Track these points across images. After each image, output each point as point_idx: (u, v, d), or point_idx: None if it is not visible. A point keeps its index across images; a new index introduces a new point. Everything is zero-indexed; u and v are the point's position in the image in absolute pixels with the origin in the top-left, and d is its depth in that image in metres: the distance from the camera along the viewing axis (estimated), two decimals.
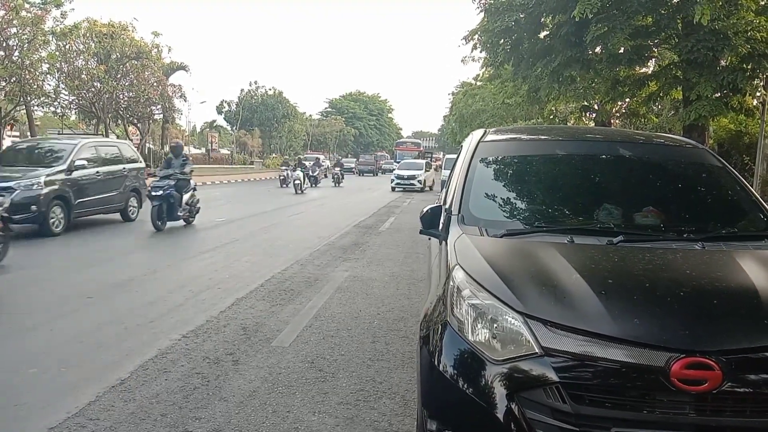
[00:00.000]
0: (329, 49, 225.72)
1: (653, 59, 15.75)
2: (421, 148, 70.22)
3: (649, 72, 15.70)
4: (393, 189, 33.52)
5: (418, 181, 33.92)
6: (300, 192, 27.87)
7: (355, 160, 68.92)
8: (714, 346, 2.32)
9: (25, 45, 24.00)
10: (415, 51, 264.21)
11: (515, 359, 2.45)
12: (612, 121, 20.98)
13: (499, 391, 2.43)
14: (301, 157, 37.70)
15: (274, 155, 62.07)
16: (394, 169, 48.07)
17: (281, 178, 31.66)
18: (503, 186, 3.85)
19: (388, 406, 4.17)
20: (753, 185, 13.73)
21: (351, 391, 4.38)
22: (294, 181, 28.64)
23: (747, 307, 2.52)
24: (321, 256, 10.17)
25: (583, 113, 20.10)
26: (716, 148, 17.32)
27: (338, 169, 37.99)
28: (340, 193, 30.05)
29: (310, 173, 33.71)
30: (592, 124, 21.11)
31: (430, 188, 35.65)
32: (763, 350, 2.35)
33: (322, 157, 48.23)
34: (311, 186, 32.68)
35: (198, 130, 68.96)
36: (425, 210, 3.80)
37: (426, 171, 36.03)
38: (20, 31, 23.93)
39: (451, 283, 2.82)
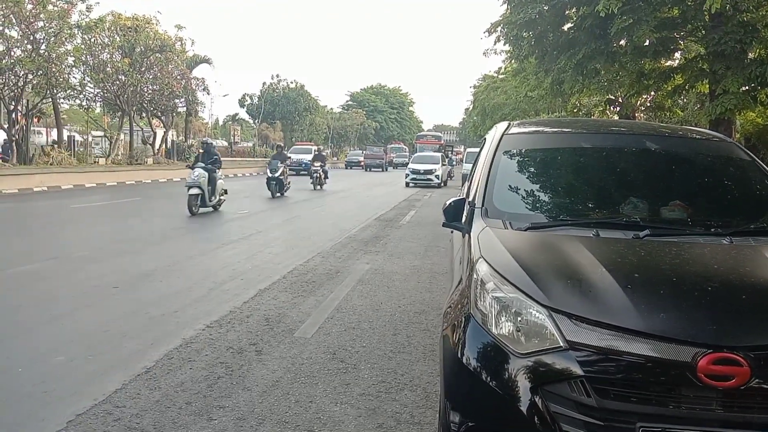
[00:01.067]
0: (351, 43, 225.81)
1: (679, 52, 15.52)
2: (442, 141, 66.87)
3: (675, 65, 15.47)
4: (407, 185, 30.90)
5: (436, 176, 31.18)
6: (281, 195, 21.22)
7: (360, 152, 61.45)
8: (742, 341, 2.28)
9: (52, 38, 24.38)
10: (436, 44, 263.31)
11: (539, 353, 2.44)
12: (636, 114, 20.73)
13: (523, 385, 2.43)
14: (281, 144, 27.82)
15: None
16: (407, 163, 46.89)
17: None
18: (527, 179, 3.82)
19: (410, 398, 4.18)
20: None
21: (373, 383, 4.40)
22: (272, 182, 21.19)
23: None
24: (342, 249, 10.21)
25: (608, 106, 19.88)
26: (743, 142, 17.01)
27: (319, 164, 26.38)
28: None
29: (312, 173, 26.43)
30: (616, 117, 20.87)
31: (445, 183, 33.69)
32: None
33: (315, 148, 35.72)
34: (280, 195, 21.53)
35: (220, 123, 69.45)
36: (448, 203, 3.79)
37: (443, 165, 33.70)
38: (47, 24, 24.30)
39: (475, 275, 2.81)
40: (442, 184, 32.28)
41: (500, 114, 35.24)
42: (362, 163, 54.61)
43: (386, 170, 53.17)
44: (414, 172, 31.14)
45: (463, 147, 71.05)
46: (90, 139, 39.15)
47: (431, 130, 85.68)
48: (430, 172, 31.06)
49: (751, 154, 3.93)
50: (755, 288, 2.60)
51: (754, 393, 2.26)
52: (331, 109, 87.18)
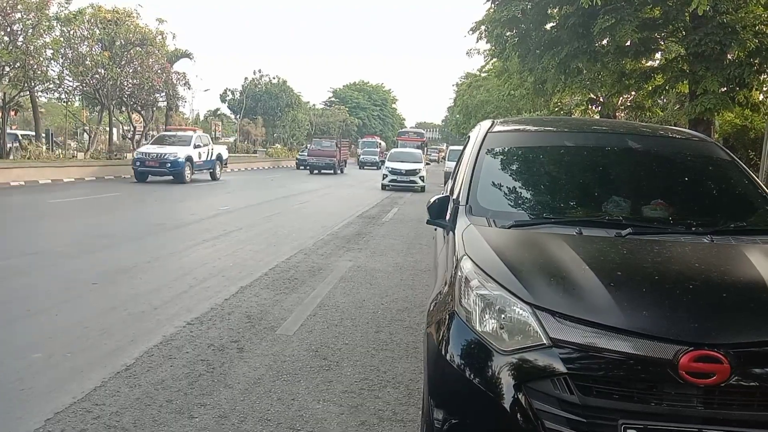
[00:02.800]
0: (334, 39, 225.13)
1: (660, 52, 15.68)
2: (425, 139, 63.53)
3: (656, 65, 15.62)
4: (384, 187, 25.61)
5: (421, 177, 25.95)
6: None
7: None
8: (723, 339, 2.31)
9: (30, 30, 23.94)
10: (419, 42, 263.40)
11: (523, 350, 2.45)
12: (617, 114, 20.92)
13: (507, 381, 2.43)
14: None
15: (277, 145, 61.98)
16: (378, 162, 43.13)
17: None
18: (511, 177, 3.84)
19: (392, 395, 4.18)
20: (759, 180, 13.69)
21: (355, 380, 4.40)
22: None
23: (756, 301, 2.51)
24: (324, 246, 10.18)
25: (589, 106, 20.03)
26: (722, 142, 17.25)
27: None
28: None
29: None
30: (597, 116, 21.04)
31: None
32: None
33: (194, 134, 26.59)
34: None
35: (202, 118, 68.86)
36: (432, 200, 3.80)
37: (425, 164, 28.52)
38: (25, 16, 23.86)
39: (459, 273, 2.82)
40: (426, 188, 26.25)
41: (483, 112, 35.37)
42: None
43: (341, 172, 40.31)
44: (394, 172, 25.81)
45: (445, 145, 70.93)
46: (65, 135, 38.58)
47: (414, 128, 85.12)
48: (413, 172, 25.86)
49: (731, 154, 3.99)
50: (735, 286, 2.63)
51: (734, 390, 2.29)
52: (314, 105, 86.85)
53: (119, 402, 3.88)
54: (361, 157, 51.27)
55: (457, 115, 49.47)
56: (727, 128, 17.56)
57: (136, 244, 9.77)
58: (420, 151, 31.68)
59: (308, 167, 39.43)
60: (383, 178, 26.10)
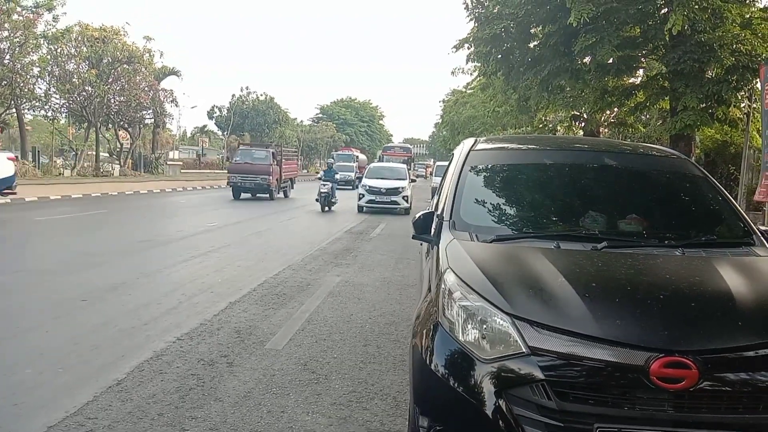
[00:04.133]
0: (321, 56, 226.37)
1: (642, 70, 16.01)
2: (411, 154, 59.38)
3: (638, 82, 15.95)
4: (360, 209, 21.61)
5: (404, 197, 21.71)
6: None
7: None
8: (691, 346, 2.45)
9: (17, 48, 24.00)
10: (406, 58, 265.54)
11: (503, 358, 2.57)
12: (601, 130, 21.25)
13: (488, 389, 2.55)
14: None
15: None
16: (353, 179, 37.03)
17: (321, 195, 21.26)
18: (493, 193, 3.98)
19: (380, 406, 4.27)
20: (738, 194, 13.96)
21: (344, 393, 4.49)
22: None
23: (723, 310, 2.66)
24: (313, 261, 10.27)
25: (573, 122, 20.35)
26: (703, 158, 17.56)
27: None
28: None
29: None
30: (581, 133, 21.37)
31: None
32: (737, 350, 2.48)
33: None
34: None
35: (189, 134, 68.88)
36: (418, 216, 3.93)
37: (409, 181, 23.88)
38: (11, 34, 23.94)
39: (443, 285, 2.94)
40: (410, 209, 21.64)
41: (469, 129, 35.66)
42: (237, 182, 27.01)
43: (284, 196, 28.83)
44: (372, 191, 21.44)
45: (432, 160, 71.09)
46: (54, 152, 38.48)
47: (401, 143, 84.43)
48: (395, 191, 21.55)
49: (704, 170, 4.16)
50: (704, 296, 2.78)
51: (703, 394, 2.42)
52: (302, 121, 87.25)
53: (111, 416, 3.95)
54: (339, 174, 40.35)
55: (444, 132, 49.87)
56: (708, 143, 17.87)
57: (125, 261, 9.80)
58: (405, 166, 27.51)
59: (233, 189, 26.50)
60: (359, 198, 21.76)
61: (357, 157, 51.36)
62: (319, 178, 21.95)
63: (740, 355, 2.48)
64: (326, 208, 21.10)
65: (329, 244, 12.64)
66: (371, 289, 8.18)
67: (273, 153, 27.74)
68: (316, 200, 21.20)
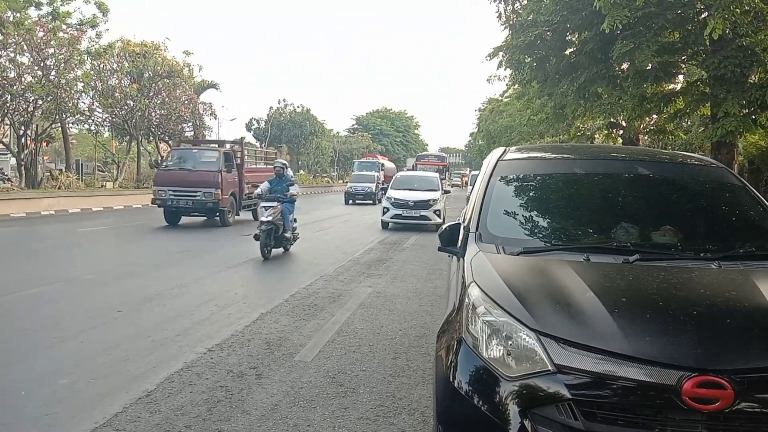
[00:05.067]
0: (357, 68, 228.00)
1: (682, 75, 15.63)
2: (446, 163, 54.56)
3: (677, 88, 15.56)
4: (385, 226, 18.71)
5: (436, 211, 18.78)
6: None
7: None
8: (726, 365, 2.33)
9: (62, 65, 24.77)
10: (442, 68, 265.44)
11: (528, 376, 2.48)
12: (640, 137, 20.81)
13: (513, 408, 2.47)
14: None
15: (302, 171, 62.58)
16: (372, 192, 32.16)
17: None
18: (521, 204, 3.89)
19: (407, 422, 4.20)
20: None
21: (371, 407, 4.43)
22: None
23: (760, 327, 2.53)
24: (345, 272, 10.26)
25: (611, 130, 19.95)
26: (746, 165, 17.04)
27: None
28: None
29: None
30: (620, 141, 20.96)
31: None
32: None
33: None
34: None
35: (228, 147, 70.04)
36: (444, 227, 3.87)
37: (442, 192, 20.57)
38: (57, 51, 24.71)
39: (467, 300, 2.87)
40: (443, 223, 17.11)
41: (505, 138, 35.36)
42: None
43: (243, 219, 19.71)
44: (397, 204, 18.62)
45: (468, 170, 70.53)
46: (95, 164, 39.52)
47: (435, 153, 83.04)
48: (424, 204, 18.77)
49: (741, 179, 4.00)
50: (740, 312, 2.65)
51: (739, 416, 2.30)
52: (338, 132, 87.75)
53: (140, 427, 3.97)
54: (349, 185, 34.85)
55: (480, 141, 49.50)
56: (752, 150, 17.33)
57: (161, 272, 9.95)
58: (437, 174, 23.44)
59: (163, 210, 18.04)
60: (383, 213, 18.74)
61: (382, 165, 43.57)
62: (258, 196, 12.49)
63: None
64: (268, 253, 11.57)
65: (362, 254, 12.61)
66: (403, 300, 8.12)
67: (227, 154, 18.26)
68: (255, 237, 11.64)
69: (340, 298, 8.10)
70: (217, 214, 17.70)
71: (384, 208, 18.86)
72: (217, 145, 20.20)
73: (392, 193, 19.18)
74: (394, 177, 22.55)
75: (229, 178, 18.05)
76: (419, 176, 22.47)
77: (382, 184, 33.99)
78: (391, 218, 18.54)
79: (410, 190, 19.34)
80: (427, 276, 10.19)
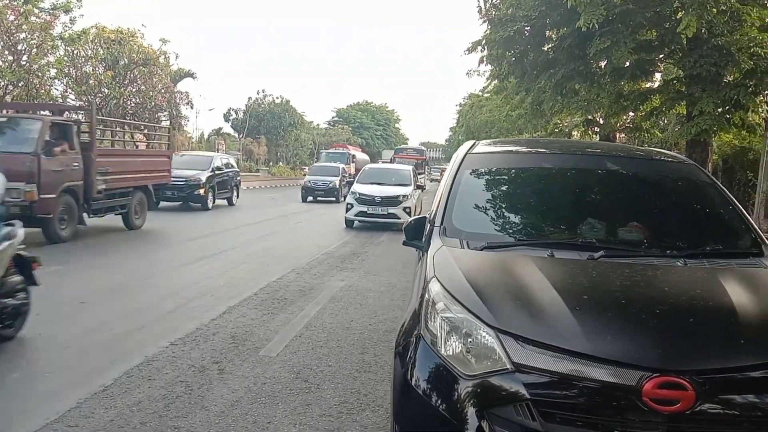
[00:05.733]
0: (338, 59, 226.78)
1: (659, 74, 15.70)
2: (425, 157, 50.22)
3: (655, 86, 15.64)
4: (349, 224, 16.89)
5: (406, 209, 16.44)
6: None
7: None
8: (687, 365, 2.27)
9: (34, 50, 24.18)
10: (423, 62, 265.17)
11: (486, 375, 2.41)
12: (617, 135, 20.91)
13: (470, 408, 2.39)
14: None
15: (280, 164, 62.17)
16: (327, 185, 27.33)
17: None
18: (487, 198, 3.81)
19: (371, 418, 4.12)
20: (756, 201, 13.63)
21: (334, 403, 4.34)
22: None
23: (724, 327, 2.47)
24: (318, 266, 10.13)
25: (588, 127, 20.03)
26: (721, 163, 17.22)
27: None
28: None
29: None
30: (596, 137, 21.06)
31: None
32: (738, 371, 2.30)
33: None
34: None
35: (205, 137, 69.25)
36: (409, 221, 3.79)
37: (414, 188, 18.21)
38: (29, 36, 24.12)
39: (427, 295, 2.79)
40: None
41: (485, 133, 35.40)
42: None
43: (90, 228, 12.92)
44: (363, 200, 16.59)
45: (449, 164, 70.30)
46: None
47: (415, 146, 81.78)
48: (393, 201, 16.57)
49: (711, 176, 3.96)
50: (704, 311, 2.59)
51: (700, 417, 2.24)
52: (318, 125, 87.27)
53: (92, 424, 3.84)
54: (307, 179, 29.24)
55: (460, 136, 49.55)
56: (726, 149, 17.51)
57: (129, 264, 9.74)
58: (410, 168, 20.18)
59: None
60: (347, 209, 16.77)
61: (353, 157, 38.46)
62: None
63: (742, 375, 2.30)
64: None
65: (337, 248, 12.46)
66: (375, 294, 8.02)
67: (61, 127, 11.57)
68: None
69: (311, 292, 7.98)
70: (41, 223, 10.59)
71: (348, 204, 16.97)
72: (41, 113, 13.52)
73: (358, 187, 17.18)
74: (362, 170, 19.90)
75: (59, 165, 10.98)
76: (389, 169, 20.64)
77: (349, 178, 29.29)
78: (355, 215, 16.59)
79: (378, 184, 17.29)
80: (400, 269, 10.09)
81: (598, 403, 2.29)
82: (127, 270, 9.09)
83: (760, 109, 12.22)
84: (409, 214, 15.83)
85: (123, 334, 5.76)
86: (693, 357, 2.31)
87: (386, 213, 16.37)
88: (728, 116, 11.91)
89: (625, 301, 2.59)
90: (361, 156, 43.03)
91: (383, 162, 27.07)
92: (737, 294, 2.65)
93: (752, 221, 3.53)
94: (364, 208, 16.44)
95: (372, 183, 17.36)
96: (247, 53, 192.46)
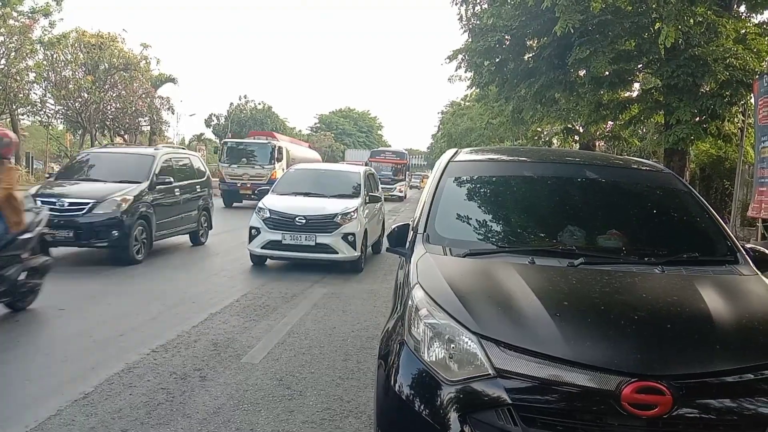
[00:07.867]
0: (320, 65, 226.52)
1: (638, 83, 15.96)
2: (406, 161, 42.13)
3: (633, 96, 15.90)
4: (256, 261, 10.28)
5: (347, 237, 9.85)
6: None
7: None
8: (665, 370, 2.32)
9: (12, 53, 23.94)
10: (405, 69, 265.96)
11: (469, 380, 2.44)
12: (597, 143, 21.18)
13: (452, 412, 2.43)
14: None
15: None
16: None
17: None
18: (470, 206, 3.86)
19: (354, 425, 4.13)
20: (732, 210, 13.87)
21: (317, 410, 4.35)
22: None
23: (700, 332, 2.54)
24: (301, 271, 10.09)
25: (568, 135, 20.27)
26: (698, 172, 17.48)
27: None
28: None
29: None
30: (576, 146, 21.30)
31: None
32: (714, 375, 2.36)
33: None
34: None
35: (186, 142, 68.84)
36: (393, 228, 3.82)
37: (367, 201, 11.00)
38: (7, 39, 23.89)
39: (410, 302, 2.82)
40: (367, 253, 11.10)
41: (467, 140, 35.64)
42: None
43: None
44: (275, 222, 9.89)
45: (431, 172, 70.23)
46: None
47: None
48: (326, 224, 9.89)
49: (688, 185, 4.05)
50: (681, 317, 2.65)
51: (678, 422, 2.30)
52: (300, 131, 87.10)
53: (73, 431, 3.80)
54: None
55: (442, 143, 49.82)
56: (703, 158, 17.80)
57: (108, 270, 9.64)
58: (360, 170, 12.41)
59: None
60: (250, 237, 10.12)
61: (279, 149, 24.73)
62: None
63: (718, 380, 2.36)
64: None
65: None
66: (358, 301, 8.03)
67: None
68: None
69: (294, 299, 7.96)
70: None
71: (252, 228, 10.12)
72: None
73: (269, 201, 10.45)
74: (282, 175, 13.47)
75: None
76: (328, 171, 12.95)
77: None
78: (261, 248, 9.99)
79: (306, 195, 10.81)
80: (383, 276, 10.11)
81: (577, 408, 2.33)
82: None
83: (735, 119, 12.50)
84: (352, 244, 9.96)
85: (103, 341, 5.71)
86: (670, 362, 2.37)
87: (314, 244, 9.84)
88: (705, 125, 12.15)
89: (605, 308, 2.65)
90: (299, 151, 30.35)
91: (348, 163, 19.55)
92: (713, 300, 2.72)
93: (727, 229, 3.62)
94: (277, 236, 9.84)
95: (294, 194, 10.85)
96: (229, 58, 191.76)
